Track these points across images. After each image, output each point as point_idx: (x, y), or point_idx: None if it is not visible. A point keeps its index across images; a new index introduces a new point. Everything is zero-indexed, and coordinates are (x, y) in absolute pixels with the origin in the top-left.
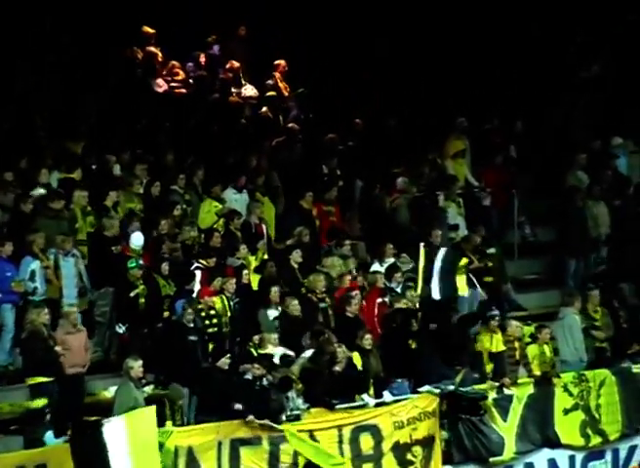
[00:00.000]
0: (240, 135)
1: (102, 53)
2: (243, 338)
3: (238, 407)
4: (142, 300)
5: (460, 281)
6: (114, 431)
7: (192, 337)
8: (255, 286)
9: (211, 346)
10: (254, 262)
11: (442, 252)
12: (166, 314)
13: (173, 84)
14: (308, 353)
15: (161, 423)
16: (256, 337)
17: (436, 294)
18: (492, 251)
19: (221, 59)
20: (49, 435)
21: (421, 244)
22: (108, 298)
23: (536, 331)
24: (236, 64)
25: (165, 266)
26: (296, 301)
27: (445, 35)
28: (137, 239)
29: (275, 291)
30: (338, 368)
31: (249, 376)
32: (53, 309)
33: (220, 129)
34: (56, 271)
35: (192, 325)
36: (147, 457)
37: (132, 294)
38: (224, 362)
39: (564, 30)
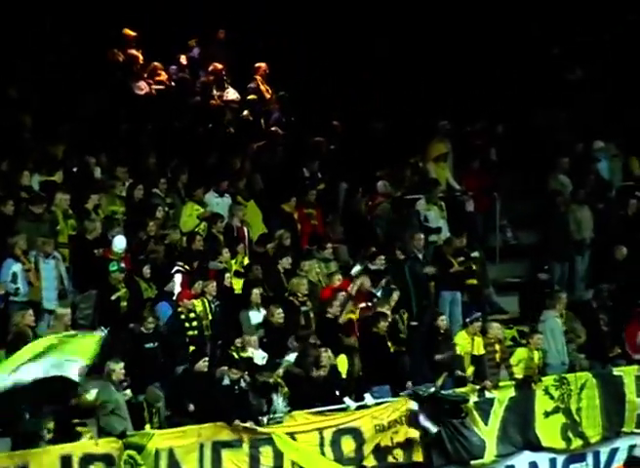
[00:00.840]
0: (222, 138)
1: (83, 55)
2: (224, 342)
3: (191, 408)
4: (124, 304)
5: None
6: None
7: (149, 345)
8: (237, 289)
9: (191, 349)
10: (234, 266)
11: None
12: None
13: (155, 86)
14: (292, 356)
15: (140, 426)
16: (238, 341)
17: None
18: (475, 254)
19: (202, 62)
20: None
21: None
22: (91, 301)
23: (527, 336)
24: (219, 66)
25: (147, 269)
26: (280, 310)
27: (428, 38)
28: (119, 242)
29: (256, 292)
30: (322, 372)
31: (227, 381)
32: (35, 311)
33: (201, 132)
34: (36, 273)
35: (150, 332)
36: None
37: (113, 298)
38: (202, 365)
39: (548, 33)
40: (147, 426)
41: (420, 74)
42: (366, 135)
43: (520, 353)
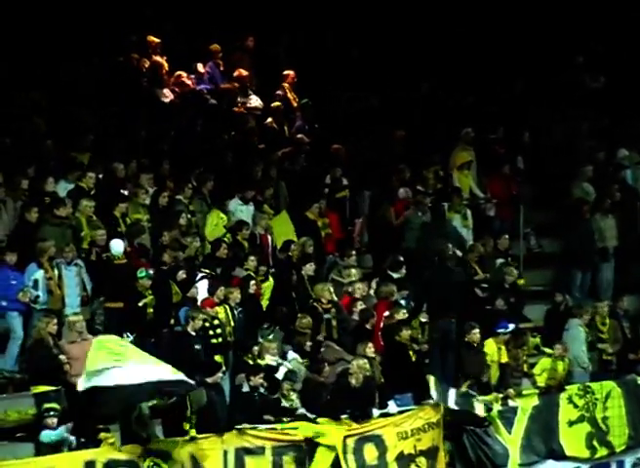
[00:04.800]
0: (245, 145)
1: (108, 62)
2: (243, 349)
3: None
4: (150, 310)
5: None
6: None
7: (197, 346)
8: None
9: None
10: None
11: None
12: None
13: (179, 92)
14: (292, 354)
15: (179, 426)
16: (255, 348)
17: None
18: (501, 261)
19: (226, 69)
20: (44, 433)
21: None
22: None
23: (552, 346)
24: (244, 73)
25: (182, 274)
26: (307, 319)
27: (453, 46)
28: (116, 245)
29: (284, 310)
30: (353, 381)
31: (246, 388)
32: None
33: (225, 139)
34: (58, 280)
35: (194, 333)
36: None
37: (140, 304)
38: (217, 377)
39: (572, 40)
40: (186, 425)
41: (443, 82)
42: (390, 142)
43: (544, 363)
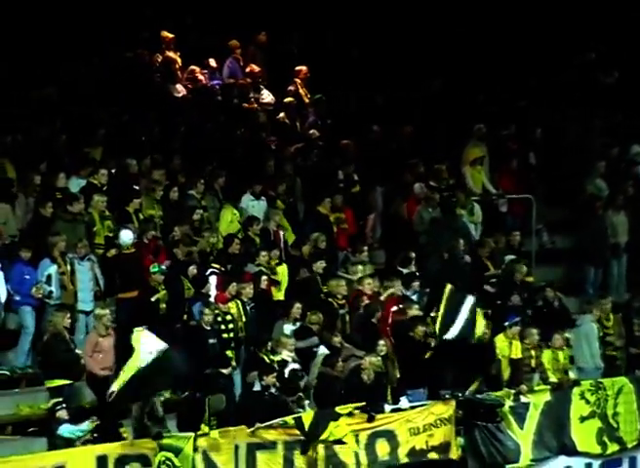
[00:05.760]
0: (256, 140)
1: (121, 58)
2: (256, 344)
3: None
4: (163, 305)
5: (480, 323)
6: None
7: (212, 340)
8: (277, 295)
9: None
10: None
11: (469, 301)
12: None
13: (191, 88)
14: (323, 349)
15: (197, 427)
16: (269, 344)
17: (452, 336)
18: (510, 257)
19: (241, 64)
20: (64, 427)
21: (448, 286)
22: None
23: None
24: (257, 69)
25: (193, 269)
26: (319, 316)
27: (465, 42)
28: (126, 236)
29: (298, 307)
30: (365, 377)
31: (257, 387)
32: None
33: (237, 134)
34: (71, 275)
35: (210, 328)
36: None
37: (153, 299)
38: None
39: (584, 36)
40: (205, 428)
41: (455, 78)
42: (402, 138)
43: (545, 355)
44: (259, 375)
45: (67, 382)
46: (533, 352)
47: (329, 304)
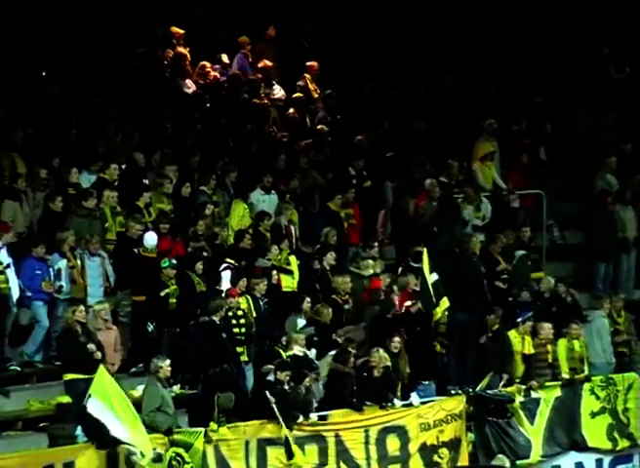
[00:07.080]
0: (267, 135)
1: (131, 53)
2: (270, 339)
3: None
4: (173, 300)
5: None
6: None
7: (224, 335)
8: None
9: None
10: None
11: (434, 277)
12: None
13: (202, 83)
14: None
15: (207, 424)
16: (283, 338)
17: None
18: (520, 253)
19: (252, 59)
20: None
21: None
22: (129, 299)
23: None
24: (269, 64)
25: (199, 265)
26: (328, 310)
27: (476, 37)
28: (150, 238)
29: (308, 301)
30: (375, 372)
31: (271, 377)
32: None
33: (248, 129)
34: (81, 270)
35: (221, 323)
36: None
37: (162, 294)
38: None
39: (596, 31)
40: (214, 425)
41: (466, 73)
42: (412, 133)
43: (561, 344)
44: (274, 370)
45: (82, 376)
46: (549, 347)
47: (333, 300)
